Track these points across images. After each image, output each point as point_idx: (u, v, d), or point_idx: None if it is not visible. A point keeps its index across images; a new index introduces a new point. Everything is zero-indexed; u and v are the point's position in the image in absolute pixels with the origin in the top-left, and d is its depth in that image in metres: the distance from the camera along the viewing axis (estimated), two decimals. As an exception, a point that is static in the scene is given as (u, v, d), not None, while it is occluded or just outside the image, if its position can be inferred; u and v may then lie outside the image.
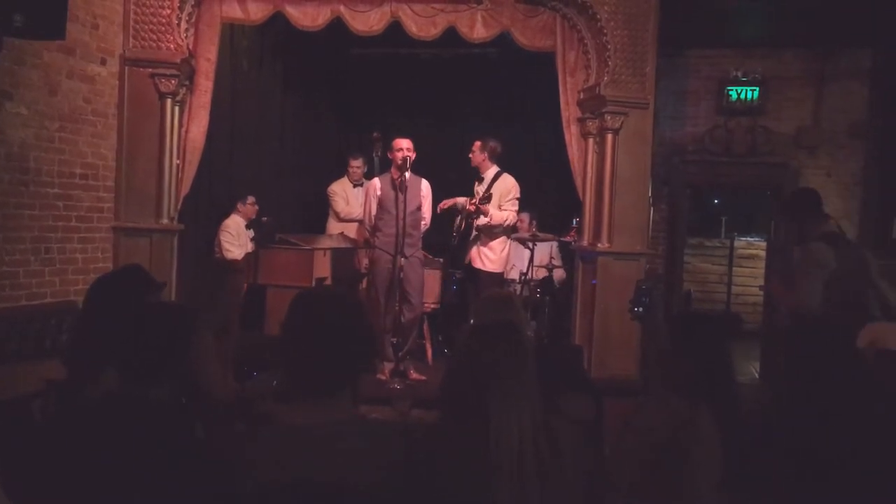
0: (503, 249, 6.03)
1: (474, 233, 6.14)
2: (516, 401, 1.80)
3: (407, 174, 5.46)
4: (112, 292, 1.80)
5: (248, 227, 6.61)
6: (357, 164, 7.10)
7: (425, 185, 5.69)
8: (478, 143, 6.09)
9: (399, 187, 5.43)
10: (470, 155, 6.11)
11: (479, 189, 6.10)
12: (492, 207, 5.93)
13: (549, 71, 6.18)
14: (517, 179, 6.17)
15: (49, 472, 1.60)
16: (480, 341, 1.93)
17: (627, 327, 5.18)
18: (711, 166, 7.83)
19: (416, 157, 5.53)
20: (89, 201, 5.42)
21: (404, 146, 5.47)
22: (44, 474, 1.59)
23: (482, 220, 5.96)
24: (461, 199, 6.23)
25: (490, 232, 6.00)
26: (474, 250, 6.03)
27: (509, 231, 6.05)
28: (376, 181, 5.69)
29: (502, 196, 5.94)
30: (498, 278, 6.11)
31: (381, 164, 5.83)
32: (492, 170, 6.04)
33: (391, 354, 5.63)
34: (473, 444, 1.77)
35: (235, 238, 6.46)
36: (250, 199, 6.56)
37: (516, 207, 5.99)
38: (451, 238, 6.43)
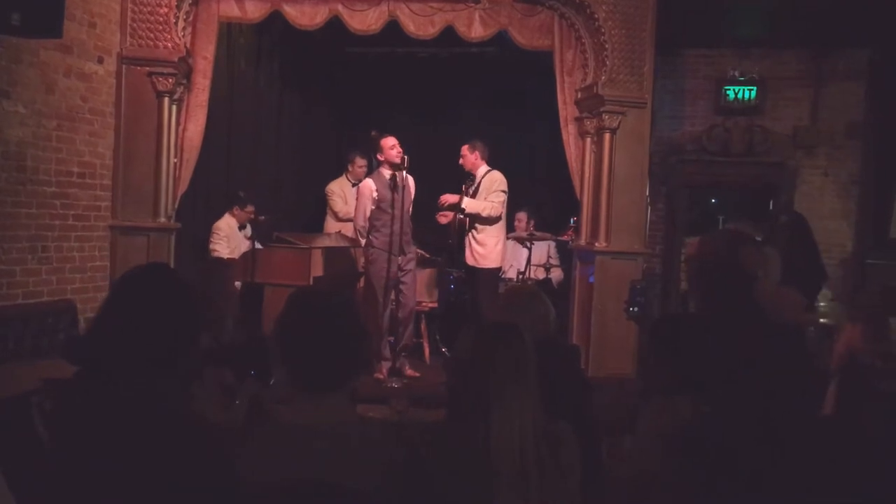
0: (496, 244, 5.96)
1: (466, 230, 6.10)
2: (518, 402, 1.80)
3: (404, 172, 5.47)
4: (145, 293, 1.78)
5: (241, 227, 6.59)
6: (362, 164, 7.10)
7: (412, 182, 5.71)
8: (465, 147, 6.06)
9: (396, 187, 5.44)
10: (461, 161, 6.08)
11: (470, 188, 6.08)
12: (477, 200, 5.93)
13: (546, 70, 6.18)
14: (515, 178, 6.17)
15: (49, 468, 1.60)
16: (481, 342, 1.93)
17: (625, 326, 5.19)
18: (709, 166, 7.84)
19: (413, 156, 5.53)
20: (86, 200, 5.41)
21: (394, 143, 5.47)
22: (44, 470, 1.59)
23: (466, 206, 5.91)
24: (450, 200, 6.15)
25: (479, 226, 5.95)
26: (467, 248, 6.01)
27: (494, 222, 5.98)
28: (370, 182, 5.67)
29: (488, 189, 5.94)
30: (494, 274, 6.07)
31: (378, 163, 5.84)
32: (483, 168, 6.04)
33: (388, 353, 5.65)
34: (474, 444, 1.77)
35: (225, 239, 6.43)
36: (249, 206, 6.52)
37: (500, 199, 5.91)
38: (448, 237, 6.39)
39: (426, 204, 5.95)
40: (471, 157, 6.04)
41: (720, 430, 1.90)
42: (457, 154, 6.21)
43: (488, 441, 1.75)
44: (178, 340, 1.73)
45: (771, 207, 7.66)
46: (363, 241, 5.70)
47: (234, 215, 6.54)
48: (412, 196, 5.66)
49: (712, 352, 2.31)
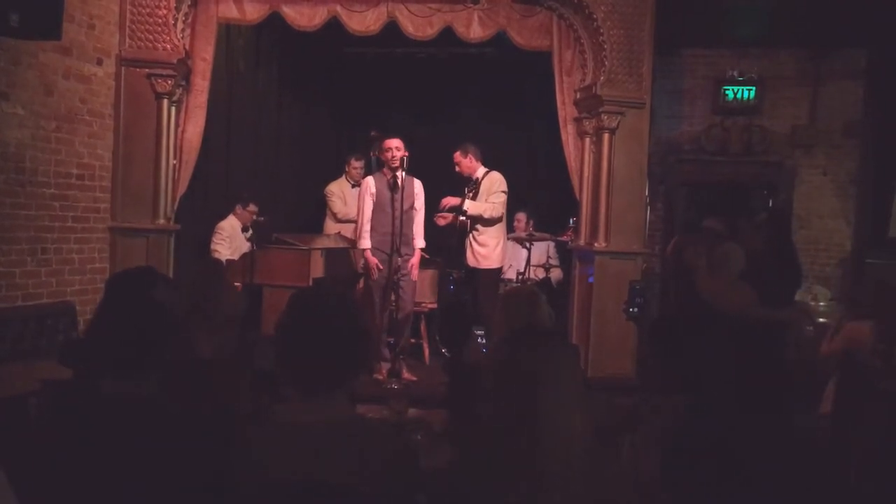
0: (497, 245, 5.98)
1: (467, 231, 6.10)
2: (566, 407, 1.74)
3: (402, 173, 5.47)
4: (119, 293, 1.81)
5: (244, 229, 6.59)
6: (359, 165, 7.11)
7: (418, 184, 5.71)
8: (457, 154, 6.06)
9: (394, 187, 5.45)
10: (457, 168, 6.09)
11: (470, 192, 6.09)
12: (477, 202, 5.94)
13: (545, 70, 6.18)
14: (514, 179, 6.18)
15: (46, 470, 1.61)
16: (522, 346, 1.85)
17: (624, 326, 5.19)
18: (708, 165, 7.86)
19: (412, 156, 5.53)
20: (86, 202, 5.41)
21: (395, 146, 5.48)
22: (41, 472, 1.60)
23: (468, 208, 5.92)
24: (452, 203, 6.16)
25: (480, 227, 5.97)
26: (468, 250, 6.02)
27: (495, 223, 5.98)
28: (370, 180, 5.69)
29: (488, 190, 5.95)
30: (496, 274, 6.08)
31: (378, 163, 5.85)
32: (481, 170, 6.06)
33: (387, 354, 5.65)
34: (518, 448, 1.71)
35: (227, 240, 6.43)
36: (252, 206, 6.52)
37: (501, 200, 5.93)
38: (451, 238, 6.39)
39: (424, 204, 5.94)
40: (466, 162, 6.05)
41: (707, 429, 1.89)
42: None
43: (535, 447, 1.68)
44: (161, 343, 1.74)
45: (751, 204, 7.69)
46: (360, 243, 5.67)
47: (237, 216, 6.54)
48: (414, 198, 5.65)
49: (697, 350, 2.31)
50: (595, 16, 5.76)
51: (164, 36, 5.62)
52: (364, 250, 5.63)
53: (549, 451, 1.69)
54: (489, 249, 5.95)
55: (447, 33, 6.02)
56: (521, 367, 1.78)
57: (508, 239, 6.46)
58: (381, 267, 5.55)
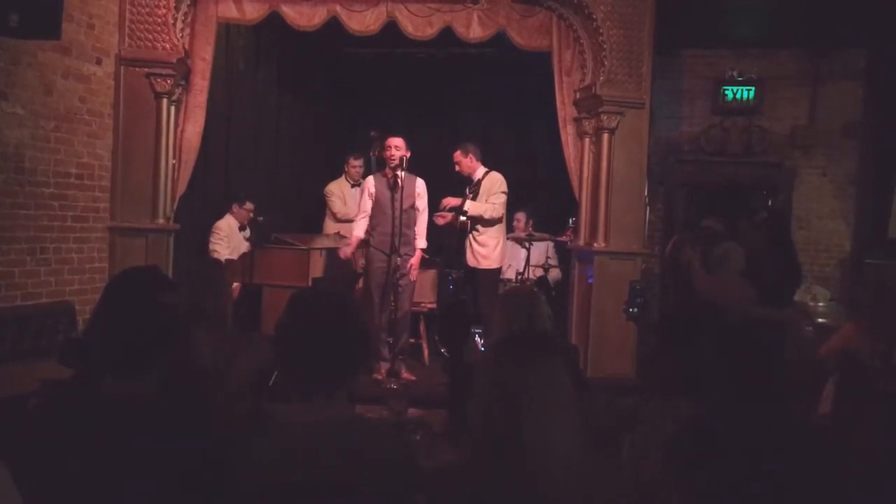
0: (497, 245, 5.99)
1: (468, 231, 6.11)
2: (554, 420, 1.71)
3: (402, 173, 5.46)
4: (124, 293, 1.81)
5: (241, 228, 6.59)
6: (358, 164, 7.11)
7: (420, 184, 5.70)
8: (458, 153, 6.07)
9: (393, 186, 5.45)
10: (457, 168, 6.09)
11: (470, 192, 6.10)
12: (478, 202, 5.95)
13: (545, 71, 6.18)
14: (514, 179, 6.19)
15: (46, 470, 1.61)
16: (507, 361, 1.80)
17: (624, 327, 5.19)
18: (707, 166, 7.86)
19: (411, 156, 5.53)
20: (85, 201, 5.41)
21: (395, 144, 5.48)
22: (41, 472, 1.60)
23: (469, 209, 5.94)
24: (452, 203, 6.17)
25: (480, 227, 5.98)
26: (468, 250, 6.02)
27: (495, 223, 5.99)
28: (371, 179, 5.70)
29: (488, 190, 5.95)
30: (496, 274, 6.09)
31: (378, 163, 5.85)
32: (480, 170, 6.06)
33: (387, 354, 5.65)
34: (511, 454, 1.69)
35: (225, 239, 6.43)
36: (248, 204, 6.53)
37: (501, 200, 5.94)
38: (450, 238, 6.39)
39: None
40: (466, 161, 6.05)
41: (714, 431, 1.89)
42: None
43: (525, 459, 1.66)
44: (161, 343, 1.74)
45: (750, 204, 7.68)
46: (350, 237, 5.69)
47: (234, 214, 6.54)
48: (415, 198, 5.64)
49: (696, 350, 2.30)
50: (595, 16, 5.76)
51: (164, 35, 5.61)
52: (354, 237, 5.67)
53: (539, 463, 1.67)
54: (489, 249, 5.96)
55: (447, 33, 6.01)
56: (507, 385, 1.73)
57: (508, 239, 6.47)
58: (381, 263, 5.54)
